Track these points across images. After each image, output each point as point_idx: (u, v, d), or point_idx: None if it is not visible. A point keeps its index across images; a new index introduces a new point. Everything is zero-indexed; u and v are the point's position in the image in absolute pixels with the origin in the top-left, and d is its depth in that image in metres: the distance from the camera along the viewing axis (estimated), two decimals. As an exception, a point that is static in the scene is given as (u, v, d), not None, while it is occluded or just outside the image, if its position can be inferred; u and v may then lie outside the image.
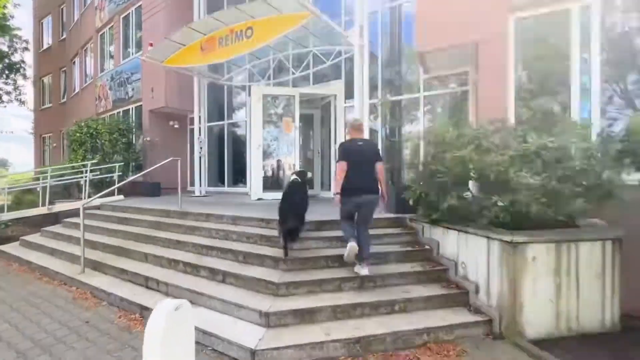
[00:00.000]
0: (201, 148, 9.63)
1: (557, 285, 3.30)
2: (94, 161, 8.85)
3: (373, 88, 7.67)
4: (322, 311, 3.33)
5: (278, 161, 8.96)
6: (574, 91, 4.75)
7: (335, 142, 8.31)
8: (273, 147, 8.32)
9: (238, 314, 3.40)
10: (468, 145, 3.67)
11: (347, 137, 4.17)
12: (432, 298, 3.60)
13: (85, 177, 8.37)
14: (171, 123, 10.89)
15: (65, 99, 17.40)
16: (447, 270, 4.01)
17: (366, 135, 6.60)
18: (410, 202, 4.60)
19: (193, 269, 4.31)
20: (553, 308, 3.31)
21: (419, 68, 7.24)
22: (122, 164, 9.46)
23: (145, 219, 6.21)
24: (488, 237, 3.49)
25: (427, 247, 4.35)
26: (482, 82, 5.25)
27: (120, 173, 9.26)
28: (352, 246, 3.70)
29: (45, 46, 19.36)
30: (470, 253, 3.76)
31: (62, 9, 17.83)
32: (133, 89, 11.38)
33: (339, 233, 4.47)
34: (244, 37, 7.01)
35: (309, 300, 3.47)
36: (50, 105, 18.68)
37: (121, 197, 9.18)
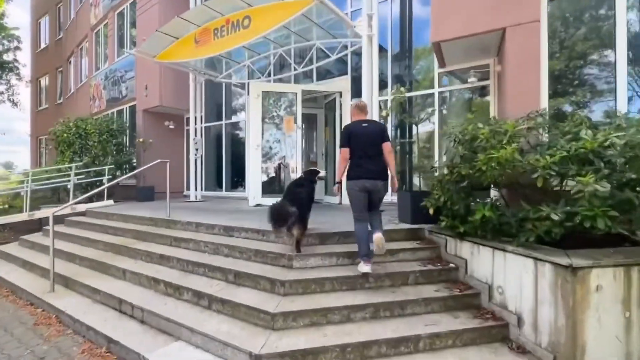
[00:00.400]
0: (197, 150, 9.00)
1: (627, 320, 2.60)
2: (79, 164, 8.25)
3: (382, 85, 7.02)
4: (328, 351, 2.65)
5: (279, 164, 8.33)
6: (620, 82, 4.07)
7: (340, 142, 7.65)
8: (273, 148, 7.67)
9: (223, 353, 2.73)
10: (507, 144, 2.99)
11: (352, 120, 3.76)
12: (464, 332, 2.91)
13: (74, 181, 7.74)
14: (166, 123, 10.28)
15: (61, 100, 16.91)
16: (479, 295, 3.31)
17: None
18: (430, 212, 3.93)
19: (175, 291, 3.64)
20: (622, 348, 2.60)
21: (433, 61, 6.58)
22: (113, 166, 8.84)
23: (129, 227, 5.56)
24: (535, 259, 2.80)
25: (452, 265, 3.65)
26: (509, 75, 4.57)
27: (110, 176, 8.65)
28: (366, 269, 3.30)
29: (42, 46, 18.92)
30: (510, 276, 3.06)
31: (59, 7, 17.39)
32: (127, 88, 10.81)
33: (347, 248, 3.80)
34: (241, 27, 6.38)
35: (311, 336, 2.79)
36: (47, 106, 18.20)
37: (110, 202, 8.57)
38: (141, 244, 4.88)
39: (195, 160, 9.05)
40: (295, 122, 7.36)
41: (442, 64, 6.32)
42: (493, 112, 5.83)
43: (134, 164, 10.20)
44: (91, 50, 13.16)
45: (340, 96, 7.68)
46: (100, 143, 8.88)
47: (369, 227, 3.44)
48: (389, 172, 3.47)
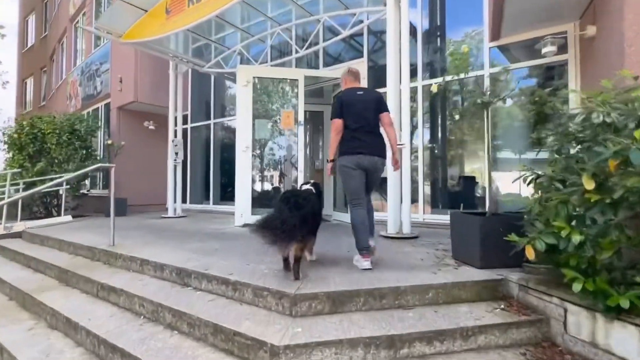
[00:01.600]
0: (177, 154, 7.35)
1: None
2: (15, 170, 6.64)
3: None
4: None
5: (280, 172, 6.66)
6: None
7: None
8: (268, 151, 6.00)
9: None
10: None
11: (344, 88, 3.24)
12: None
13: (9, 192, 6.11)
14: (146, 124, 8.69)
15: (44, 102, 15.52)
16: None
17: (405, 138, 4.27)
18: (529, 255, 2.18)
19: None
20: None
21: (483, 31, 4.89)
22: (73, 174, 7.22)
23: (57, 262, 3.88)
24: None
25: (586, 364, 1.90)
26: (619, 40, 2.86)
27: (69, 186, 7.02)
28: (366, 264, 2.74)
29: (28, 45, 17.66)
30: None
31: (45, 3, 16.14)
32: (102, 83, 9.27)
33: (382, 321, 2.07)
34: (223, -14, 4.77)
35: None
36: (31, 109, 16.83)
37: (68, 218, 6.93)
38: (55, 293, 3.20)
39: (175, 167, 7.40)
40: (296, 117, 5.68)
41: (495, 35, 4.61)
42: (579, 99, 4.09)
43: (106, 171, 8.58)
44: (70, 44, 11.73)
45: (354, 85, 6.00)
46: (59, 145, 7.28)
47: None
48: (388, 149, 3.00)
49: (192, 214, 7.93)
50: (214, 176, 8.22)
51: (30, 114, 16.42)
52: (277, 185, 6.53)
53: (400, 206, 4.37)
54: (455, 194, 5.36)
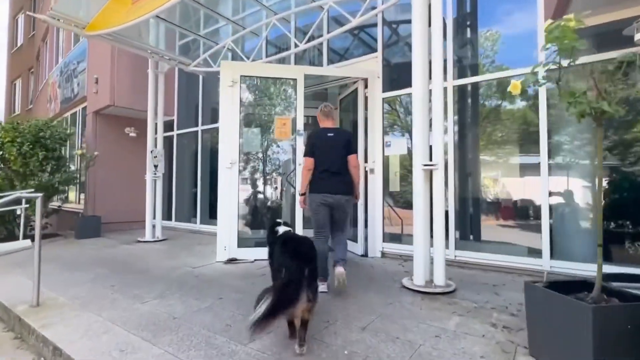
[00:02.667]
0: (156, 167, 6.29)
1: None
2: None
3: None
4: None
5: (266, 190, 5.59)
6: None
7: (365, 157, 4.86)
8: (258, 166, 4.92)
9: None
10: None
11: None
12: None
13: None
14: (127, 130, 7.65)
15: (32, 105, 14.61)
16: None
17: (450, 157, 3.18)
18: None
19: None
20: None
21: (538, 18, 3.77)
22: (34, 189, 6.19)
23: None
24: None
25: None
26: None
27: (28, 205, 5.97)
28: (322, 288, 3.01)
29: (18, 45, 16.80)
30: None
31: (34, 0, 15.25)
32: (78, 84, 8.26)
33: None
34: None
35: None
36: (18, 113, 15.94)
37: (26, 243, 5.84)
38: None
39: (155, 181, 6.33)
40: (294, 125, 4.58)
41: (558, 16, 3.47)
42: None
43: (76, 182, 7.57)
44: (52, 42, 10.77)
45: (365, 86, 4.91)
46: (20, 156, 6.24)
47: (332, 249, 3.26)
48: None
49: (176, 235, 6.85)
50: (201, 191, 7.14)
51: (19, 118, 15.54)
52: (269, 210, 5.43)
53: (431, 245, 3.25)
54: (503, 225, 4.22)
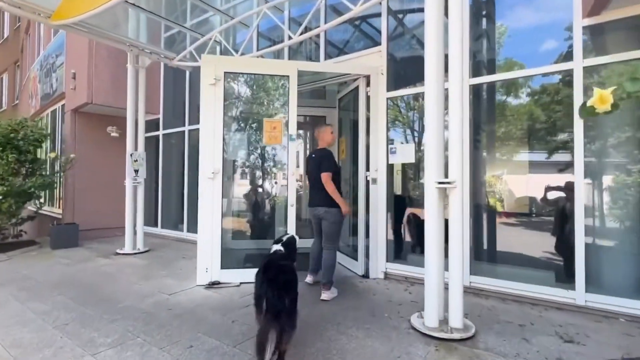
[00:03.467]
0: (136, 172, 5.72)
1: None
2: None
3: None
4: None
5: (257, 202, 5.06)
6: None
7: (366, 164, 4.31)
8: (244, 176, 4.37)
9: None
10: None
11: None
12: None
13: None
14: (109, 129, 7.06)
15: (17, 100, 13.98)
16: None
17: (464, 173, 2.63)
18: None
19: None
20: None
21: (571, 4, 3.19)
22: (1, 196, 5.67)
23: None
24: None
25: None
26: None
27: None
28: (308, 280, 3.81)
29: (4, 37, 16.11)
30: None
31: (19, -10, 14.51)
32: (57, 79, 7.65)
33: None
34: None
35: None
36: (5, 108, 15.32)
37: (-8, 256, 5.34)
38: None
39: (135, 188, 5.77)
40: (287, 128, 4.01)
41: (597, 8, 2.92)
42: None
43: (54, 187, 7.02)
44: (34, 32, 10.13)
45: (367, 83, 4.33)
46: (-12, 160, 5.68)
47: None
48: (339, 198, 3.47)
49: (160, 244, 6.32)
50: (188, 196, 6.59)
51: (5, 114, 14.92)
52: (259, 224, 4.89)
53: (443, 278, 2.70)
54: (526, 246, 3.66)
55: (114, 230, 7.18)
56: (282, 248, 2.65)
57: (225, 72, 3.94)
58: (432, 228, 2.72)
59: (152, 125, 7.55)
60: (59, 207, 7.66)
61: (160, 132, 7.27)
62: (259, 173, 4.93)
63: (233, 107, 4.22)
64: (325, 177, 3.44)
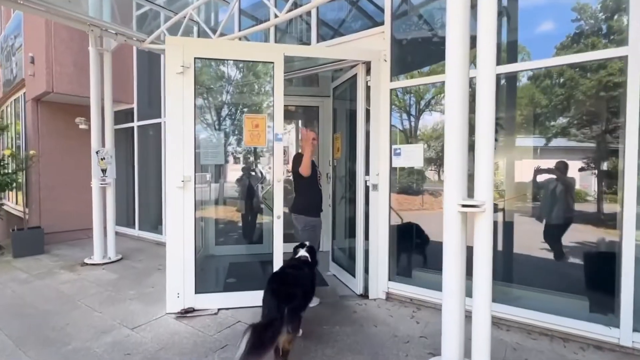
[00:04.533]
0: (104, 171, 5.04)
1: None
2: None
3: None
4: None
5: (244, 206, 4.47)
6: None
7: (366, 167, 3.70)
8: (220, 183, 3.75)
9: None
10: None
11: None
12: None
13: None
14: (78, 120, 6.32)
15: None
16: None
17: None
18: None
19: None
20: None
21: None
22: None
23: None
24: None
25: None
26: None
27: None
28: None
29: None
30: None
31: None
32: (16, 64, 6.82)
33: None
34: None
35: None
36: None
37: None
38: None
39: (103, 189, 5.10)
40: (271, 127, 3.36)
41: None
42: None
43: (14, 187, 6.31)
44: (-5, 11, 9.12)
45: (367, 71, 3.67)
46: None
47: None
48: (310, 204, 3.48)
49: (136, 249, 5.71)
50: (165, 196, 5.93)
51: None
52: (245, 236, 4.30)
53: (463, 327, 2.14)
54: (556, 268, 3.10)
55: (87, 232, 6.52)
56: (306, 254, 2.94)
57: (195, 58, 3.24)
58: (453, 267, 2.15)
59: (125, 116, 6.83)
60: (25, 205, 6.97)
61: (135, 124, 6.55)
62: (240, 176, 4.31)
63: (207, 101, 3.54)
64: (302, 168, 3.41)
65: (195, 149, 3.26)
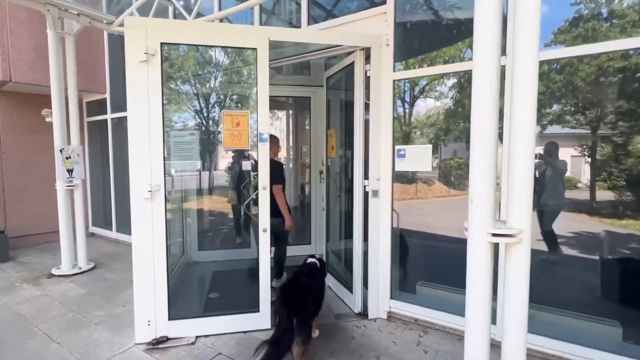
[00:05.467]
0: (70, 172, 4.50)
1: None
2: None
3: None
4: None
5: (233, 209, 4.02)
6: None
7: (364, 170, 3.24)
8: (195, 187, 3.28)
9: None
10: None
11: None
12: None
13: None
14: (44, 112, 5.69)
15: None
16: None
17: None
18: None
19: None
20: None
21: None
22: None
23: None
24: None
25: None
26: None
27: None
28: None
29: None
30: None
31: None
32: (-27, 49, 6.09)
33: None
34: None
35: None
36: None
37: None
38: None
39: (70, 192, 4.57)
40: (255, 126, 2.87)
41: None
42: None
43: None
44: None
45: (366, 59, 3.16)
46: None
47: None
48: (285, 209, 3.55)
49: (113, 255, 5.22)
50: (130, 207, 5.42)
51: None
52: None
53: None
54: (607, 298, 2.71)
55: (53, 237, 6.01)
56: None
57: (162, 44, 2.70)
58: (480, 316, 1.72)
59: (98, 107, 6.23)
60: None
61: (109, 116, 5.96)
62: (231, 163, 3.83)
63: (178, 94, 3.01)
64: (277, 189, 3.35)
65: (164, 153, 2.76)
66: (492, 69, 1.66)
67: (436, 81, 3.17)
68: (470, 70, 2.63)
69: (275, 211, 3.31)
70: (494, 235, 1.65)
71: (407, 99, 3.34)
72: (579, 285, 2.87)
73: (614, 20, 2.48)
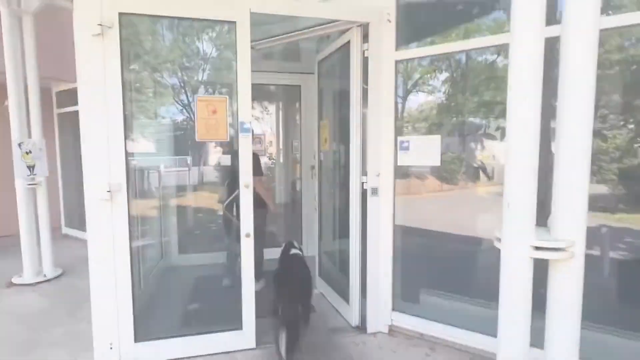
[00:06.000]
0: (31, 168, 4.02)
1: None
2: None
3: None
4: None
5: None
6: None
7: (362, 165, 2.84)
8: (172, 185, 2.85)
9: None
10: None
11: None
12: None
13: None
14: (7, 103, 5.15)
15: None
16: None
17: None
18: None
19: None
20: None
21: None
22: None
23: None
24: None
25: None
26: None
27: None
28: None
29: None
30: None
31: None
32: None
33: None
34: None
35: None
36: None
37: None
38: None
39: (32, 191, 4.09)
40: (236, 113, 2.44)
41: None
42: None
43: None
44: None
45: (364, 37, 2.74)
46: None
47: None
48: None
49: (83, 259, 4.74)
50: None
51: None
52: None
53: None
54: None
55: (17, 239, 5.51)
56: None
57: (121, 14, 2.24)
58: (515, 337, 1.34)
59: (70, 97, 5.70)
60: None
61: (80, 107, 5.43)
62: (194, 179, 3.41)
63: (141, 76, 2.56)
64: (255, 181, 2.94)
65: (126, 147, 2.32)
66: (536, 42, 1.27)
67: (448, 60, 2.76)
68: (495, 46, 2.24)
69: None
70: (538, 249, 1.28)
71: (412, 84, 2.94)
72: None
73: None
